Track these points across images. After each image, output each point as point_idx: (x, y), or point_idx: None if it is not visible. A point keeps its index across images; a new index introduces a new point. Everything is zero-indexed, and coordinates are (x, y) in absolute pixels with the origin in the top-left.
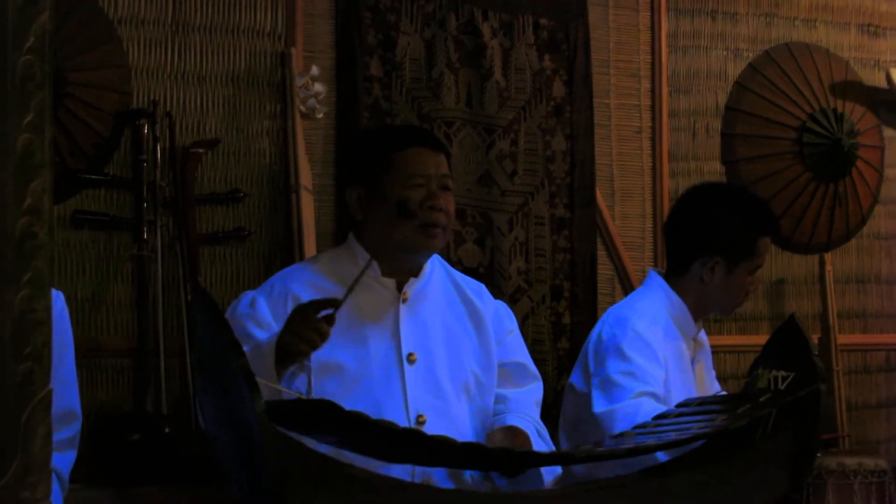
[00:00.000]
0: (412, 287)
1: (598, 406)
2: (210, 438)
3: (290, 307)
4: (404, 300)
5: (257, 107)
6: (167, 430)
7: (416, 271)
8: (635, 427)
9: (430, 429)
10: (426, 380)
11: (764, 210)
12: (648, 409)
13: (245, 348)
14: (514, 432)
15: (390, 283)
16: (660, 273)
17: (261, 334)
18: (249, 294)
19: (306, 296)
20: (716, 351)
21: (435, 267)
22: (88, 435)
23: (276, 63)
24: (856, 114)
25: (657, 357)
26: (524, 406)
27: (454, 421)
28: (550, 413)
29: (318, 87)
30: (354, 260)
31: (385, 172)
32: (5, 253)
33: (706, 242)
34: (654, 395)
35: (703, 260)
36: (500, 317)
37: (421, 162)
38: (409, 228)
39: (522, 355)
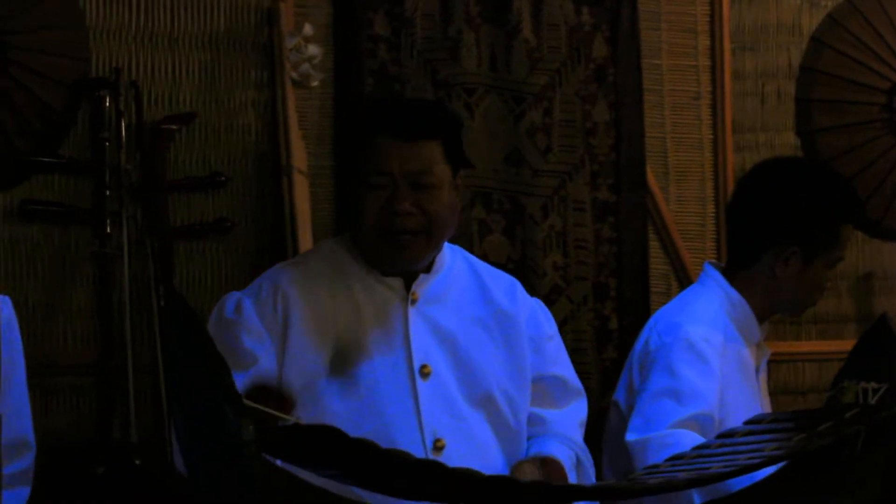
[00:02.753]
0: (422, 286)
1: (632, 433)
2: (188, 471)
3: (280, 309)
4: (413, 301)
5: (240, 74)
6: (137, 461)
7: (424, 267)
8: (671, 458)
9: (451, 454)
10: (443, 397)
11: (849, 191)
12: (689, 442)
13: (242, 375)
14: (548, 465)
15: (396, 282)
16: (717, 267)
17: (253, 345)
18: (234, 296)
19: (299, 298)
20: (793, 359)
21: (456, 260)
22: (44, 468)
23: (261, 21)
24: None
25: (713, 372)
26: (565, 428)
27: (478, 445)
28: (593, 436)
29: (313, 49)
30: (353, 255)
31: (349, 166)
32: None
33: (781, 229)
34: (702, 420)
35: (776, 250)
36: (536, 319)
37: (382, 157)
38: (371, 237)
39: (563, 367)
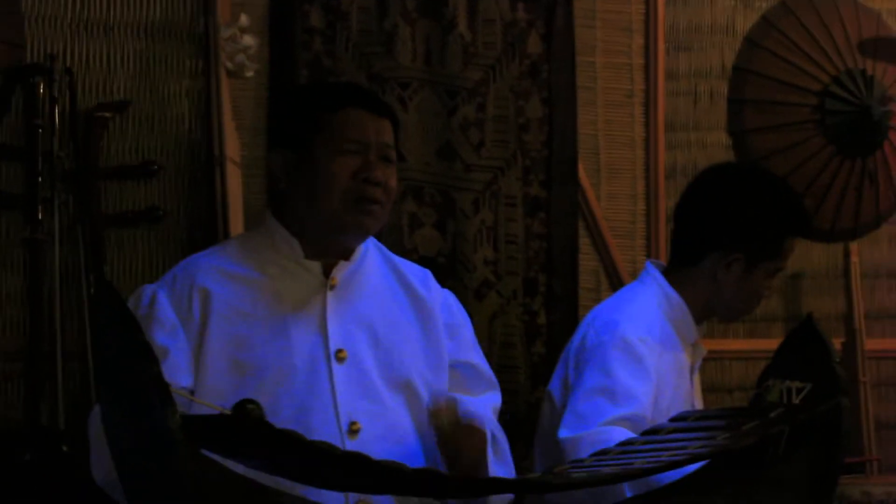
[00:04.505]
0: (342, 271)
1: (564, 431)
2: (116, 459)
3: (196, 303)
4: (332, 287)
5: (175, 63)
6: (65, 448)
7: (346, 254)
8: (596, 453)
9: (366, 437)
10: (358, 381)
11: (799, 206)
12: (620, 439)
13: None
14: (473, 434)
15: (315, 266)
16: (658, 266)
17: (165, 339)
18: (148, 289)
19: (216, 288)
20: (720, 357)
21: (369, 250)
22: None
23: (197, 11)
24: (888, 76)
25: (647, 372)
26: (480, 409)
27: (393, 427)
28: (522, 430)
29: (248, 39)
30: (272, 241)
31: (315, 134)
32: None
33: (728, 234)
34: (635, 420)
35: (719, 254)
36: (450, 307)
37: (358, 126)
38: (338, 202)
39: (477, 355)
